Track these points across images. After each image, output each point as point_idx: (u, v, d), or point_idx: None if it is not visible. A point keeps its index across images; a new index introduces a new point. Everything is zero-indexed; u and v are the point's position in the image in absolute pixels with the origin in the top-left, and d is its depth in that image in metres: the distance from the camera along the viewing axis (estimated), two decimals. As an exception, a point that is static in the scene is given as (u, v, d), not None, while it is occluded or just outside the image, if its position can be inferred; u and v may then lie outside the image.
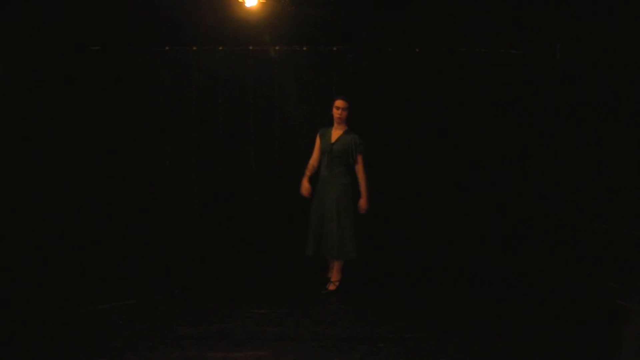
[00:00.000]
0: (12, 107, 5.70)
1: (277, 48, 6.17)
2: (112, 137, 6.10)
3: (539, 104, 6.16)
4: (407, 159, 6.15)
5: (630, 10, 4.76)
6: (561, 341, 4.00)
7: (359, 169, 5.38)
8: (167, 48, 6.15)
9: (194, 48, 6.16)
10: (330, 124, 5.52)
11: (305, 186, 5.46)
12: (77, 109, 6.05)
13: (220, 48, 6.16)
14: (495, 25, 6.06)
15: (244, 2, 5.82)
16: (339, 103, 5.38)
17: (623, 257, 4.71)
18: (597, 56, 5.30)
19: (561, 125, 5.92)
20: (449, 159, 6.18)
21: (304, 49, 6.18)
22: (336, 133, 5.45)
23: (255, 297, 5.19)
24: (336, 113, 5.39)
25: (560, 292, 5.38)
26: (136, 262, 6.00)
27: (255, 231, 6.19)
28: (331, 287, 5.34)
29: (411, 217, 6.16)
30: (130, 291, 5.27)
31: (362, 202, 5.34)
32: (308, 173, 5.50)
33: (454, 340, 4.02)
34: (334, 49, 6.19)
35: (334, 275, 5.36)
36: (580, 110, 5.58)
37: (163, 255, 6.10)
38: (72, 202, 6.00)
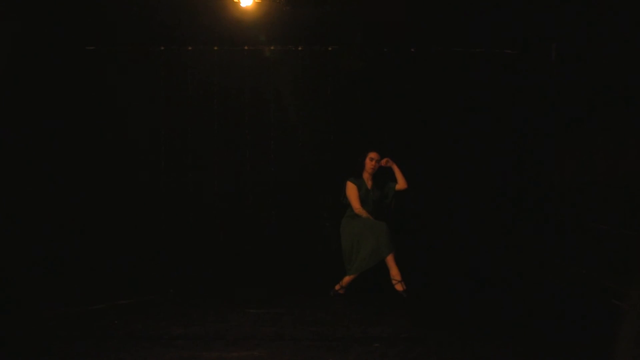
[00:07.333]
0: (6, 107, 5.69)
1: (272, 48, 6.18)
2: (107, 136, 6.10)
3: (534, 103, 6.17)
4: (403, 159, 6.16)
5: (625, 10, 4.77)
6: (557, 342, 4.00)
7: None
8: (162, 48, 6.15)
9: (190, 48, 6.16)
10: (356, 174, 5.57)
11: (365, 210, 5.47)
12: (71, 109, 6.04)
13: (216, 48, 6.16)
14: (490, 25, 6.07)
15: (239, 2, 5.82)
16: (374, 155, 5.55)
17: (619, 257, 4.71)
18: (592, 56, 5.31)
19: (557, 125, 5.93)
20: (445, 158, 6.20)
21: (299, 49, 6.19)
22: (369, 183, 5.59)
23: (251, 297, 5.18)
24: (370, 164, 5.53)
25: (556, 291, 5.39)
26: (132, 262, 6.00)
27: (251, 231, 6.19)
28: (399, 286, 5.17)
29: (407, 217, 6.17)
30: (125, 291, 5.26)
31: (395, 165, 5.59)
32: (365, 212, 5.46)
33: (449, 340, 4.02)
34: (329, 49, 6.20)
35: (397, 274, 5.20)
36: (576, 110, 5.59)
37: (159, 255, 6.10)
38: (68, 201, 5.99)
